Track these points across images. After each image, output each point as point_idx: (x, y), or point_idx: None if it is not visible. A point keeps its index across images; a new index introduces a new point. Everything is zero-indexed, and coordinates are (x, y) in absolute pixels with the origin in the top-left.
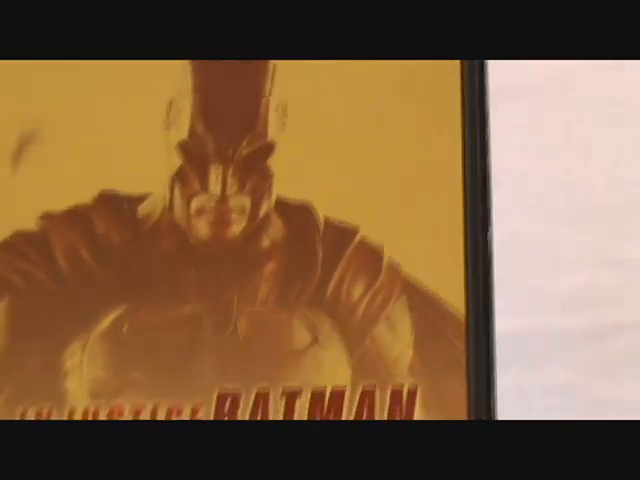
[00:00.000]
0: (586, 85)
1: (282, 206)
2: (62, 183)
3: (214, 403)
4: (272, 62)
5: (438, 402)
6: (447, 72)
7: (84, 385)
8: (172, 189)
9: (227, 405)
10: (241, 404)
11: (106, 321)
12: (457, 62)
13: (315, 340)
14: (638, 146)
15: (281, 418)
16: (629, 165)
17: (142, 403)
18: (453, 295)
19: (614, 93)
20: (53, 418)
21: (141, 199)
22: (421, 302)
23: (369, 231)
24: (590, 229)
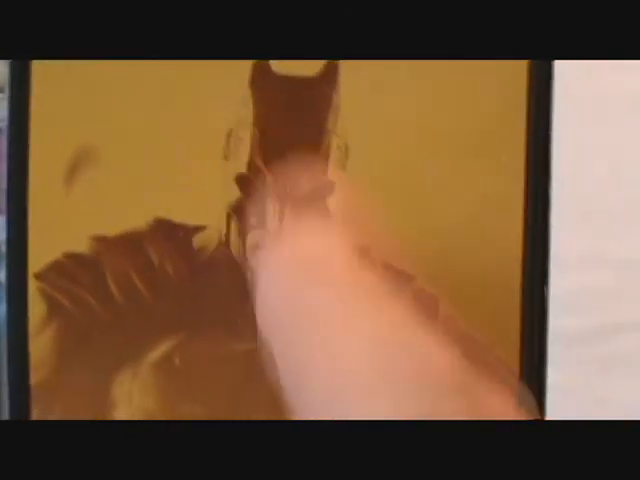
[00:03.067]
0: (586, 85)
1: None
2: (115, 207)
3: None
4: (335, 99)
5: None
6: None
7: (133, 416)
8: (228, 223)
9: None
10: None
11: (158, 351)
12: (525, 62)
13: None
14: (638, 146)
15: None
16: (629, 165)
17: None
18: (507, 347)
19: (614, 93)
20: None
21: (196, 230)
22: (475, 351)
23: (425, 281)
24: (590, 229)
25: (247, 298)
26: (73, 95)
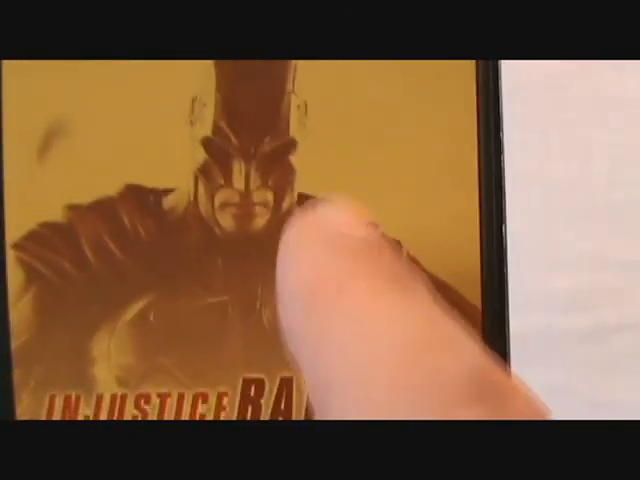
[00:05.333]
0: (586, 85)
1: (305, 200)
2: (88, 176)
3: (239, 390)
4: (293, 61)
5: None
6: (462, 72)
7: (112, 372)
8: (196, 184)
9: (252, 392)
10: (265, 391)
11: (133, 309)
12: (472, 62)
13: None
14: (638, 146)
15: (304, 405)
16: (629, 165)
17: (168, 390)
18: (470, 288)
19: (614, 93)
20: (81, 405)
21: (166, 192)
22: (439, 293)
23: (387, 227)
24: (590, 229)
25: (216, 254)
26: (44, 70)
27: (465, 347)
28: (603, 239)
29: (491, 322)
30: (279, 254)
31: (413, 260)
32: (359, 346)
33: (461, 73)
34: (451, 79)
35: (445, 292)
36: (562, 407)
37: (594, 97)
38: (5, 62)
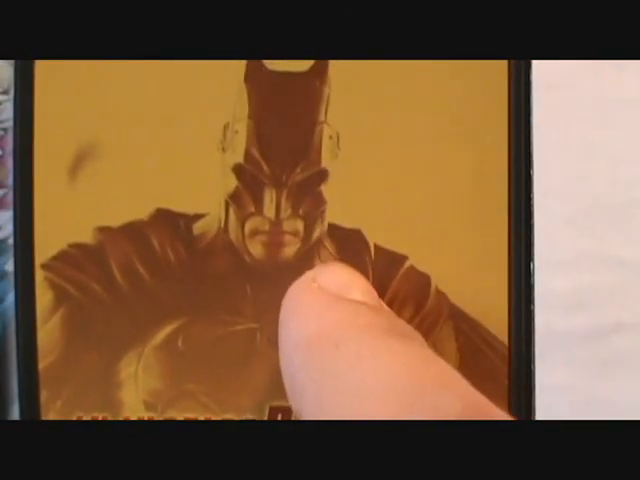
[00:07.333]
0: (586, 85)
1: (334, 231)
2: (119, 199)
3: (266, 418)
4: (327, 92)
5: None
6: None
7: (139, 395)
8: (227, 210)
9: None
10: (292, 419)
11: (161, 334)
12: (504, 62)
13: None
14: (638, 146)
15: None
16: (629, 165)
17: (195, 416)
18: (497, 324)
19: (614, 93)
20: None
21: (196, 218)
22: (467, 328)
23: (417, 261)
24: (590, 229)
25: (245, 281)
26: (76, 93)
27: (459, 386)
28: (603, 239)
29: (518, 359)
30: (281, 313)
31: (441, 295)
32: (359, 393)
33: (491, 80)
34: (479, 98)
35: (472, 327)
36: (562, 407)
37: (594, 97)
38: (39, 91)
